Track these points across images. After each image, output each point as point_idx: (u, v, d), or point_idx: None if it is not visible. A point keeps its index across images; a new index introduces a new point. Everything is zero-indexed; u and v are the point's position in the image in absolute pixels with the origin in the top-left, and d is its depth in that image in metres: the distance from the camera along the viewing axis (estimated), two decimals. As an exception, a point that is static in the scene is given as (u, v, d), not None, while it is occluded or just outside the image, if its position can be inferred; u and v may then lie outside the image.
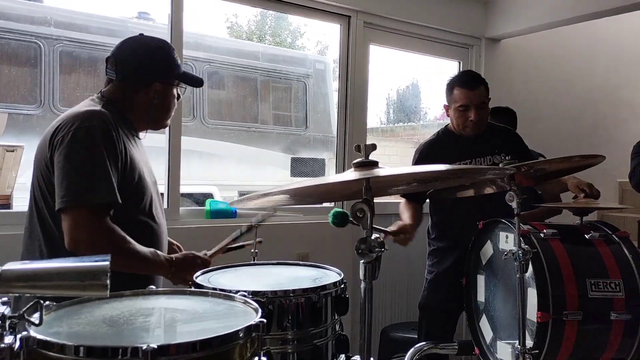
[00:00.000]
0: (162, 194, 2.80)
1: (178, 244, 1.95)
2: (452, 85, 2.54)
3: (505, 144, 2.58)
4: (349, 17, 3.34)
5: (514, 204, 1.84)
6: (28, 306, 0.89)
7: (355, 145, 1.21)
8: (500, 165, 1.92)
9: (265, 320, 1.07)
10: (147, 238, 1.61)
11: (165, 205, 2.75)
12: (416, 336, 2.70)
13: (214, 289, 1.36)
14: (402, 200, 2.64)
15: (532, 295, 1.99)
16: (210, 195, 4.82)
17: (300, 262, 1.74)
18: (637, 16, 3.81)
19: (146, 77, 1.68)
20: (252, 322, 1.05)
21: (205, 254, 1.73)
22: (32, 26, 3.87)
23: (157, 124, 1.79)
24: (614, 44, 4.64)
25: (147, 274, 1.62)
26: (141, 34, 1.75)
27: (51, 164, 1.52)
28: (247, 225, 1.88)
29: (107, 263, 0.89)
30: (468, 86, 2.49)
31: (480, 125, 2.51)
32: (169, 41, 2.78)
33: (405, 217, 2.48)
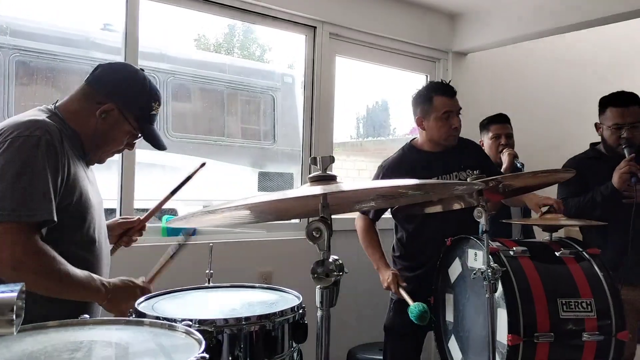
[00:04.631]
0: (113, 211, 2.65)
1: (123, 217, 1.88)
2: (429, 95, 2.48)
3: (472, 159, 2.52)
4: (315, 27, 3.27)
5: (482, 221, 1.76)
6: None
7: (311, 157, 1.10)
8: (468, 180, 1.84)
9: (207, 356, 0.95)
10: (85, 262, 1.46)
11: (117, 223, 2.60)
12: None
13: (157, 317, 1.22)
14: (361, 223, 2.57)
15: (502, 315, 1.91)
16: (173, 211, 4.65)
17: (256, 285, 1.62)
18: (599, 32, 3.84)
19: (108, 92, 1.57)
20: (193, 359, 0.93)
21: (143, 281, 1.57)
22: (-15, 35, 3.69)
23: (93, 152, 1.62)
24: (577, 58, 4.68)
25: (79, 299, 1.46)
26: (142, 69, 1.67)
27: None
28: (182, 241, 1.75)
29: (14, 295, 0.75)
30: (450, 93, 2.46)
31: (458, 133, 2.48)
32: (123, 50, 2.67)
33: (376, 256, 2.47)
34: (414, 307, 2.11)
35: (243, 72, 5.43)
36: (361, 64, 3.67)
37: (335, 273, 1.03)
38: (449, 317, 2.27)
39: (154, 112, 1.65)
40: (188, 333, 1.08)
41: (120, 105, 1.57)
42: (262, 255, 2.96)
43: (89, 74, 1.62)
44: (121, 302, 1.43)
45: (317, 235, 1.04)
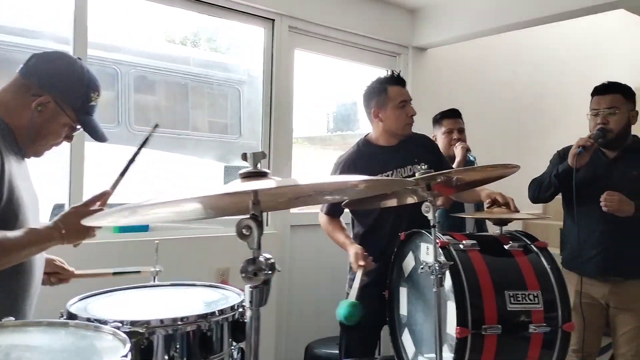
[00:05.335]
0: (62, 206, 2.58)
1: (61, 260, 1.77)
2: (383, 86, 2.50)
3: (425, 152, 2.54)
4: (273, 20, 3.23)
5: (430, 215, 1.77)
6: None
7: (242, 153, 1.07)
8: (417, 175, 1.83)
9: (129, 359, 0.92)
10: (17, 264, 1.41)
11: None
12: (341, 352, 2.59)
13: (87, 318, 1.18)
14: (324, 218, 2.56)
15: (452, 308, 1.92)
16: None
17: (197, 283, 1.58)
18: (559, 27, 3.90)
19: (43, 84, 1.51)
20: (112, 362, 0.90)
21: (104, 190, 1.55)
22: None
23: (28, 146, 1.55)
24: (535, 54, 4.75)
25: (38, 253, 1.45)
26: (79, 58, 1.62)
27: None
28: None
29: None
30: (403, 83, 2.51)
31: (413, 122, 2.52)
32: (72, 40, 2.60)
33: (341, 237, 2.45)
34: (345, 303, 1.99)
35: (208, 65, 5.35)
36: (330, 60, 3.66)
37: (265, 272, 1.01)
38: (403, 310, 2.28)
39: (93, 103, 1.60)
40: (114, 334, 1.04)
41: (57, 97, 1.51)
42: (219, 252, 2.92)
43: (22, 65, 1.55)
44: (76, 228, 1.39)
45: (248, 233, 1.02)
